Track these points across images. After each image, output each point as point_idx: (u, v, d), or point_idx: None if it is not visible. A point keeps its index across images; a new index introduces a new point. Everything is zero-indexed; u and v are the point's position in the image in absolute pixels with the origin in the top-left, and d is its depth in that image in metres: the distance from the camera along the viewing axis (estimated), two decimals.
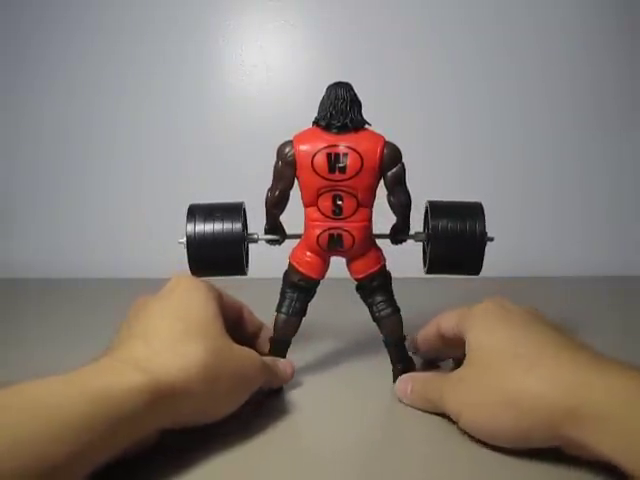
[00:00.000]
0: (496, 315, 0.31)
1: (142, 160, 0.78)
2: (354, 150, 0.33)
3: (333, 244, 0.35)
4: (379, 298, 0.36)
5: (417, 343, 0.38)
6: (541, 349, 0.27)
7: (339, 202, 0.34)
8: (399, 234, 0.38)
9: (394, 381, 0.37)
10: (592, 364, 0.26)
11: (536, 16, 0.74)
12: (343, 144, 0.33)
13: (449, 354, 0.39)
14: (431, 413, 0.33)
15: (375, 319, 0.37)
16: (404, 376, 0.35)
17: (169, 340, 0.28)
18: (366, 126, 0.34)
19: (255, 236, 0.39)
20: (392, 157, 0.33)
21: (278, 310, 0.37)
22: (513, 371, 0.27)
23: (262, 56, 0.76)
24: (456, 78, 0.75)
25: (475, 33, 0.75)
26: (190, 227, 0.37)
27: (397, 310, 0.37)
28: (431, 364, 0.41)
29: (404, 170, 0.34)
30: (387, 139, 0.34)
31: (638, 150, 0.76)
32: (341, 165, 0.33)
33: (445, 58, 0.75)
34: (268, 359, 0.34)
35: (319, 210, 0.34)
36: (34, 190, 0.80)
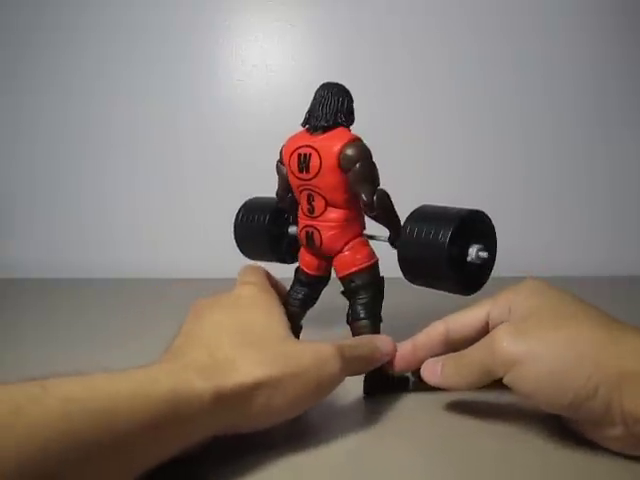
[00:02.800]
0: (549, 289, 0.30)
1: (141, 160, 0.78)
2: (315, 150, 0.33)
3: (308, 241, 0.36)
4: (357, 300, 0.35)
5: (416, 348, 0.34)
6: (612, 319, 0.27)
7: (312, 201, 0.34)
8: (393, 238, 0.36)
9: (364, 391, 0.35)
10: None
11: (538, 15, 0.74)
12: (309, 144, 0.33)
13: None
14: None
15: (347, 322, 0.35)
16: (429, 360, 0.32)
17: (232, 352, 0.28)
18: (351, 127, 0.34)
19: (291, 229, 0.41)
20: (350, 156, 0.32)
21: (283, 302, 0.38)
22: (588, 325, 0.26)
23: (262, 56, 0.76)
24: (458, 78, 0.75)
25: (477, 33, 0.74)
26: (235, 219, 0.43)
27: (372, 315, 0.34)
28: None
29: (365, 170, 0.32)
30: (357, 138, 0.33)
31: None
32: (305, 165, 0.33)
33: (446, 57, 0.75)
34: (347, 345, 0.31)
35: (301, 208, 0.36)
36: (32, 190, 0.80)
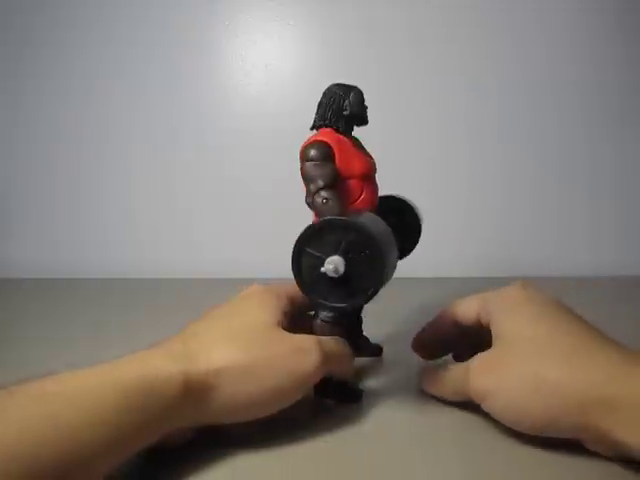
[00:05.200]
0: (527, 305, 0.30)
1: (137, 160, 0.77)
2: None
3: None
4: None
5: (425, 334, 0.37)
6: (575, 340, 0.28)
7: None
8: None
9: (314, 392, 0.34)
10: (623, 356, 0.26)
11: (542, 13, 0.73)
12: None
13: (456, 347, 0.37)
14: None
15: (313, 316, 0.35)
16: (425, 369, 0.35)
17: (207, 341, 0.28)
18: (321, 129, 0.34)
19: None
20: (301, 155, 0.33)
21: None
22: (549, 359, 0.27)
23: (262, 56, 0.75)
24: (460, 76, 0.74)
25: (480, 29, 0.74)
26: None
27: (328, 319, 0.34)
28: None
29: (307, 171, 0.32)
30: (319, 140, 0.33)
31: None
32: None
33: (448, 55, 0.74)
34: (326, 339, 0.32)
35: None
36: (30, 191, 0.79)
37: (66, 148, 0.78)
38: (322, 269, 0.29)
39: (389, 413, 0.33)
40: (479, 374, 0.29)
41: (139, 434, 0.24)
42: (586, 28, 0.74)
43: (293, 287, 0.33)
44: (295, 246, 0.30)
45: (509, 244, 0.71)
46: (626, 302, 0.60)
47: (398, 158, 0.70)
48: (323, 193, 0.32)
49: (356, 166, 0.33)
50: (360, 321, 0.39)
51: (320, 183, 0.32)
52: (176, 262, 0.76)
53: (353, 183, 0.33)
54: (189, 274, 0.72)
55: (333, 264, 0.29)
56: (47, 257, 0.78)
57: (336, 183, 0.32)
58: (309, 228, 0.30)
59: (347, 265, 0.29)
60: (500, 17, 0.74)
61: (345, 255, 0.29)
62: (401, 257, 0.39)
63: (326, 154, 0.32)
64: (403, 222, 0.39)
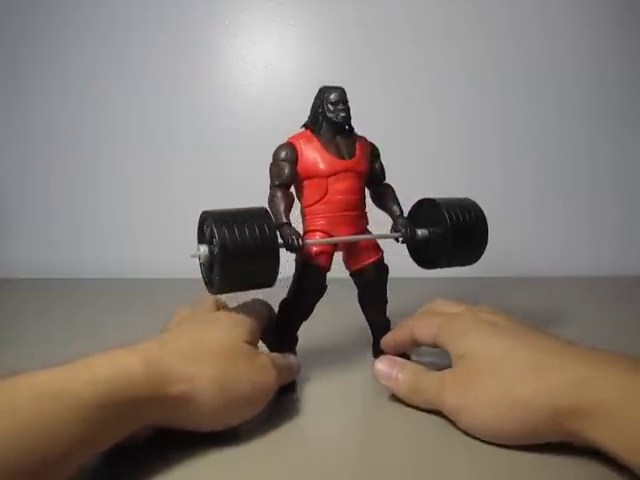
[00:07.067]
0: (482, 326, 0.31)
1: (136, 160, 0.77)
2: None
3: None
4: None
5: (387, 345, 0.38)
6: (538, 352, 0.28)
7: None
8: None
9: None
10: (587, 360, 0.27)
11: (542, 8, 0.73)
12: None
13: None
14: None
15: None
16: (388, 357, 0.35)
17: (182, 350, 0.29)
18: (302, 129, 0.36)
19: None
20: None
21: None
22: (516, 375, 0.28)
23: (262, 56, 0.75)
24: (460, 71, 0.74)
25: (480, 24, 0.74)
26: None
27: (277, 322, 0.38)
28: None
29: (270, 169, 0.35)
30: (288, 142, 0.35)
31: None
32: None
33: (449, 52, 0.74)
34: (278, 356, 0.34)
35: None
36: (27, 191, 0.79)
37: (63, 148, 0.78)
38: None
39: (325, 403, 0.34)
40: (450, 395, 0.30)
41: (107, 432, 0.24)
42: (586, 23, 0.74)
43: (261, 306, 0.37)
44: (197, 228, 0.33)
45: (509, 244, 0.71)
46: (626, 302, 0.60)
47: (398, 154, 0.70)
48: (273, 191, 0.35)
49: (319, 166, 0.35)
50: (387, 322, 0.39)
51: (275, 181, 0.35)
52: (174, 262, 0.75)
53: (317, 182, 0.35)
54: (187, 274, 0.71)
55: (197, 251, 0.32)
56: (44, 257, 0.77)
57: (290, 183, 0.35)
58: (200, 216, 0.33)
59: (209, 256, 0.32)
60: (500, 11, 0.74)
61: (211, 247, 0.31)
62: (431, 266, 0.39)
63: (287, 155, 0.35)
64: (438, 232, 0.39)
